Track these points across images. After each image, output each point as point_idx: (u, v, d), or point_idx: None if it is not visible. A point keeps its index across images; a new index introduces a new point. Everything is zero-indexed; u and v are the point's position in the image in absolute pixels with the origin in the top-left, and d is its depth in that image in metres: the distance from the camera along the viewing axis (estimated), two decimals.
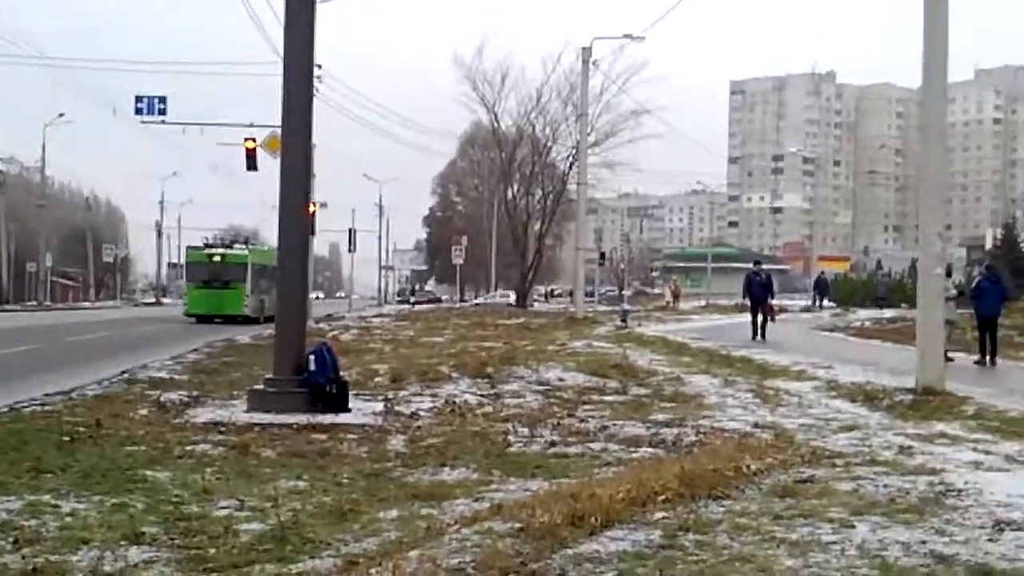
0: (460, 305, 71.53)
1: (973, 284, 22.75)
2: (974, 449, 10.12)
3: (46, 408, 13.02)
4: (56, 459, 9.56)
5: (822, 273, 58.60)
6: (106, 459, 9.65)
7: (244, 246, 49.10)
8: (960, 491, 7.82)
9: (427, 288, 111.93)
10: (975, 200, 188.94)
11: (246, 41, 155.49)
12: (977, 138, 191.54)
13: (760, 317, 27.95)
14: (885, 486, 8.06)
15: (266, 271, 43.09)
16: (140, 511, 7.66)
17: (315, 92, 39.55)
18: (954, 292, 21.59)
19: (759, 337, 27.28)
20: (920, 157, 16.28)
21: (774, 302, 29.62)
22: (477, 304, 70.23)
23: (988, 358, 21.18)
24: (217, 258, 46.66)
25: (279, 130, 15.78)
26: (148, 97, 45.36)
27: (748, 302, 28.92)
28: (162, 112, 45.53)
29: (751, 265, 31.31)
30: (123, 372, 18.08)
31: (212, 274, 45.68)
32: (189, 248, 51.14)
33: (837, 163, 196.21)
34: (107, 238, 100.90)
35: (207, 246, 49.08)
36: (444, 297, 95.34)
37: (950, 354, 20.90)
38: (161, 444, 10.69)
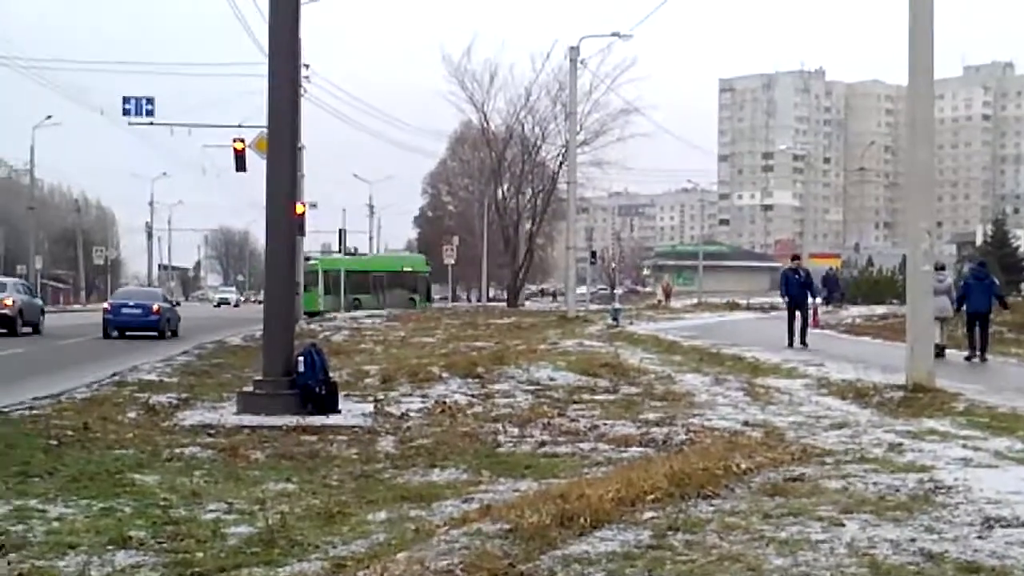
0: (452, 306, 71.43)
1: (961, 282, 22.85)
2: (964, 446, 10.11)
3: (34, 412, 12.96)
4: (44, 463, 9.51)
5: (831, 269, 57.89)
6: (94, 463, 9.61)
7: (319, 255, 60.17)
8: (950, 488, 7.81)
9: None
10: (965, 197, 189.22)
11: (235, 41, 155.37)
12: (966, 135, 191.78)
13: (799, 321, 25.07)
14: (875, 484, 8.05)
15: (342, 276, 58.26)
16: (128, 515, 7.62)
17: (303, 92, 39.54)
18: (946, 286, 21.79)
19: (797, 343, 24.47)
20: (908, 154, 16.27)
21: (818, 302, 27.19)
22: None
23: (979, 354, 21.24)
24: None
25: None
26: (136, 98, 45.18)
27: (785, 303, 25.62)
28: (150, 113, 45.40)
29: (790, 261, 27.63)
30: (113, 375, 18.02)
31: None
32: None
33: (827, 160, 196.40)
34: (97, 240, 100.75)
35: None
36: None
37: (946, 349, 21.21)
38: (149, 447, 10.65)
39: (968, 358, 21.21)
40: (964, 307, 21.89)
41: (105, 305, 35.37)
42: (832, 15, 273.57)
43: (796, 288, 25.21)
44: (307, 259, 57.94)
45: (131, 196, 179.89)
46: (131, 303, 33.42)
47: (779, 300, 29.35)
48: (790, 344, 24.49)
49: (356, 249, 70.85)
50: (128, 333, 31.98)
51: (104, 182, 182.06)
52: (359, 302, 57.36)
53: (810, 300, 26.08)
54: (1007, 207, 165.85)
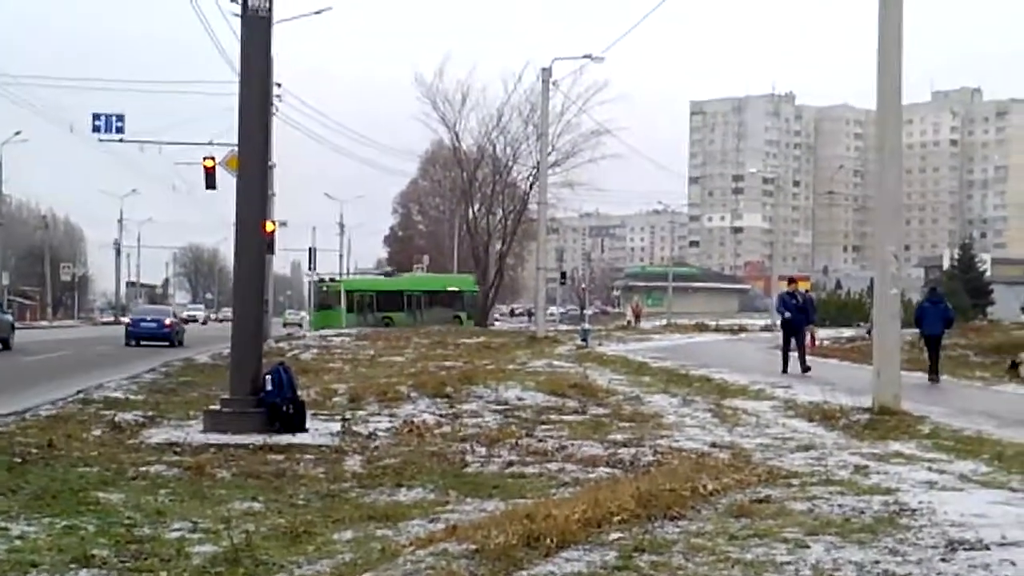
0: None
1: (916, 306, 23.47)
2: (929, 469, 10.16)
3: None
4: (7, 481, 9.41)
5: (807, 292, 57.63)
6: (58, 481, 9.53)
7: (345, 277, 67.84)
8: (914, 511, 7.85)
9: None
10: (932, 221, 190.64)
11: (205, 58, 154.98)
12: (934, 159, 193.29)
13: (794, 345, 24.15)
14: (840, 506, 8.08)
15: (364, 295, 64.10)
16: (91, 534, 7.56)
17: (274, 111, 39.45)
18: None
19: (795, 369, 23.09)
20: (876, 178, 16.38)
21: (817, 331, 26.63)
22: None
23: (933, 374, 21.85)
24: (325, 288, 64.92)
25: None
26: (105, 115, 45.05)
27: (780, 322, 24.68)
28: (119, 130, 45.27)
29: (785, 287, 26.41)
30: (78, 392, 17.87)
31: (323, 299, 63.91)
32: (312, 282, 72.00)
33: (797, 183, 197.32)
34: (65, 257, 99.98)
35: (321, 280, 67.85)
36: None
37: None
38: (114, 465, 10.57)
39: (931, 379, 21.65)
40: (920, 329, 22.56)
41: (126, 319, 45.00)
42: (802, 40, 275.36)
43: (792, 312, 24.14)
44: (333, 280, 66.73)
45: (100, 213, 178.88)
46: (148, 318, 42.28)
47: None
48: (784, 370, 23.25)
49: (393, 270, 74.84)
50: (144, 342, 38.98)
51: (73, 199, 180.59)
52: (390, 320, 60.69)
53: (808, 328, 25.70)
54: (974, 231, 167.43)
